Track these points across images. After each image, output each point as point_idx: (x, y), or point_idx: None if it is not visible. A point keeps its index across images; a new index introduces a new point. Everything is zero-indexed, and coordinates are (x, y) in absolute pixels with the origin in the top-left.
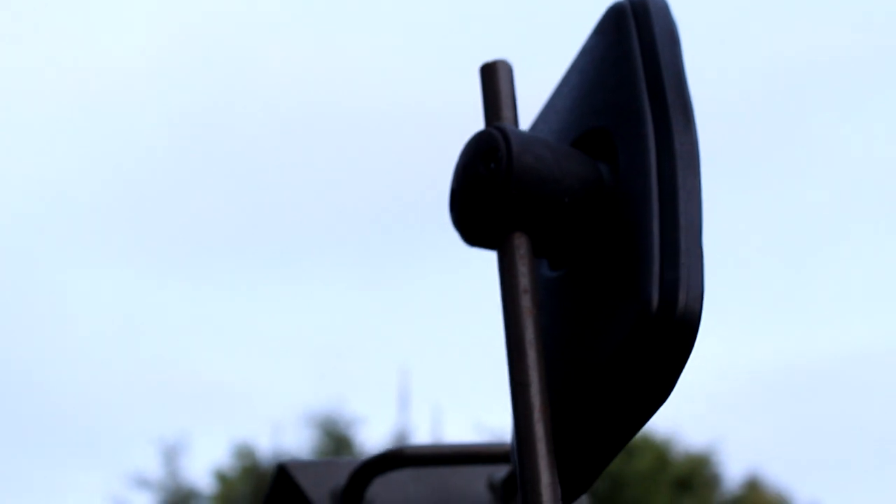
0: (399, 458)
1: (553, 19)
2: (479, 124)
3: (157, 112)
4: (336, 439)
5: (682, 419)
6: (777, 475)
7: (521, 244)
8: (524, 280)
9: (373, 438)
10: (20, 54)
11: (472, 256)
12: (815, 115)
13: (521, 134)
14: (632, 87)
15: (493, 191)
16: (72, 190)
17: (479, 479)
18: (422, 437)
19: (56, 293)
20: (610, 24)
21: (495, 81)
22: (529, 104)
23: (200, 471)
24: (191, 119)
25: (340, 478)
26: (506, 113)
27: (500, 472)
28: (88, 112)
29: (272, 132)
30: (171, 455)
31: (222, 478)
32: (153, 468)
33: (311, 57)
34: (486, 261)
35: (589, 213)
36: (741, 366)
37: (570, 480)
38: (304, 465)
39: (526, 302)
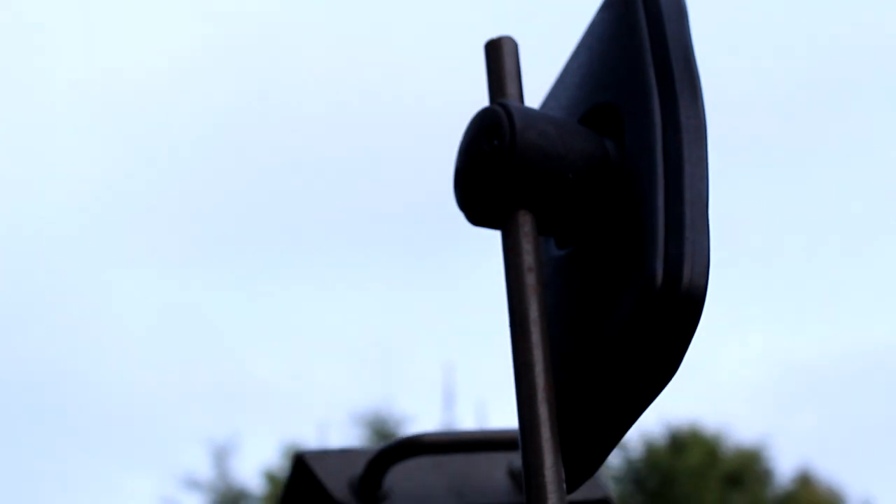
0: (415, 446)
1: None
2: None
3: (195, 111)
4: (384, 437)
5: (732, 413)
6: (829, 470)
7: (525, 222)
8: (528, 258)
9: None
10: (60, 56)
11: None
12: (867, 104)
13: (525, 110)
14: (638, 62)
15: (497, 168)
16: (119, 189)
17: (499, 466)
18: None
19: (103, 293)
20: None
21: (500, 58)
22: (545, 81)
23: (250, 471)
24: (229, 117)
25: (357, 467)
26: (510, 90)
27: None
28: (126, 112)
29: (311, 129)
30: (220, 456)
31: (272, 478)
32: (203, 469)
33: (348, 51)
34: None
35: (595, 189)
36: (792, 359)
37: (578, 462)
38: (321, 454)
39: (530, 280)
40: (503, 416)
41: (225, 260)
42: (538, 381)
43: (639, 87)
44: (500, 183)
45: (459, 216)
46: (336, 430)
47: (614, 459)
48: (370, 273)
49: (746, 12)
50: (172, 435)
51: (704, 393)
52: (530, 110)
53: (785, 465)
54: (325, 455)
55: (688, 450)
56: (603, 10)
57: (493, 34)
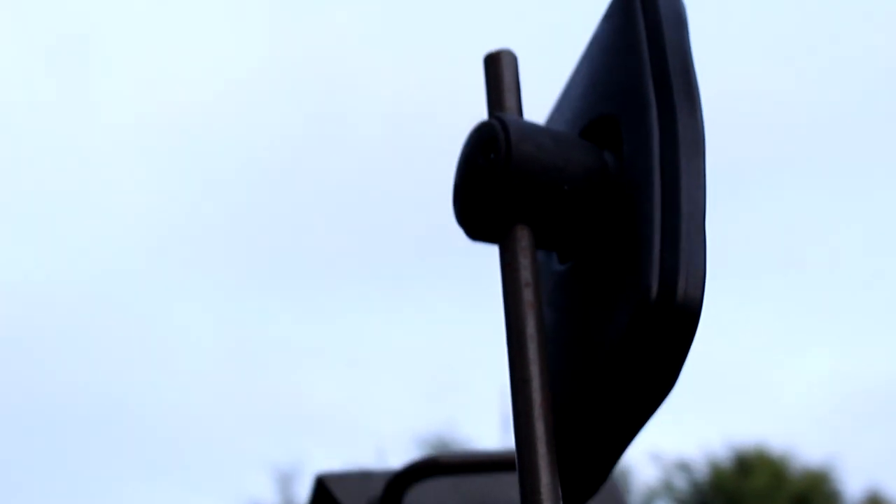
0: (432, 467)
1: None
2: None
3: (260, 141)
4: None
5: (798, 434)
6: None
7: (522, 236)
8: (525, 273)
9: None
10: (121, 88)
11: None
12: None
13: (522, 123)
14: (637, 73)
15: (493, 182)
16: (179, 220)
17: (517, 486)
18: None
19: (166, 323)
20: (618, 9)
21: (499, 71)
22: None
23: None
24: (287, 146)
25: (376, 489)
26: (509, 103)
27: None
28: (194, 144)
29: (373, 152)
30: (285, 480)
31: None
32: (267, 494)
33: (404, 74)
34: None
35: (593, 202)
36: (859, 379)
37: (581, 479)
38: (340, 477)
39: (527, 296)
40: None
41: (286, 286)
42: (535, 396)
43: (637, 98)
44: (497, 197)
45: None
46: (397, 453)
47: (679, 482)
48: (432, 298)
49: (808, 27)
50: (237, 460)
51: (770, 414)
52: (527, 123)
53: (853, 487)
54: (345, 477)
55: (754, 472)
56: (605, 20)
57: (563, 47)
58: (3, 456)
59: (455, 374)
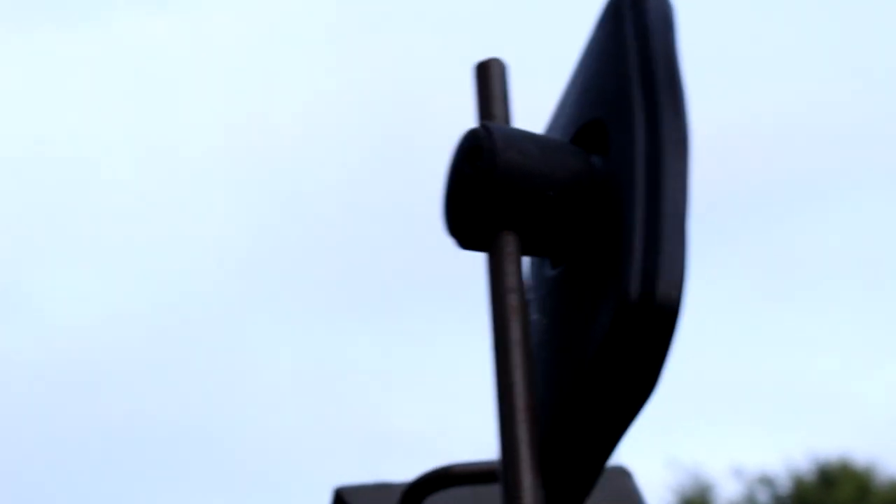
0: (447, 477)
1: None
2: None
3: (336, 165)
4: None
5: (884, 446)
6: None
7: (508, 242)
8: (511, 279)
9: None
10: (203, 114)
11: None
12: None
13: (507, 130)
14: (624, 77)
15: (479, 189)
16: (258, 247)
17: None
18: None
19: (248, 348)
20: (608, 15)
21: (488, 80)
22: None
23: None
24: (368, 170)
25: (393, 500)
26: (497, 111)
27: None
28: (271, 169)
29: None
30: None
31: None
32: None
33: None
34: None
35: (581, 207)
36: None
37: (570, 483)
38: (357, 489)
39: (512, 301)
40: (627, 456)
41: (363, 309)
42: (518, 401)
43: (624, 102)
44: (483, 204)
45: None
46: None
47: (762, 496)
48: None
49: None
50: (316, 482)
51: (853, 426)
52: (513, 130)
53: None
54: (362, 490)
55: (838, 484)
56: (596, 27)
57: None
58: (89, 484)
59: None
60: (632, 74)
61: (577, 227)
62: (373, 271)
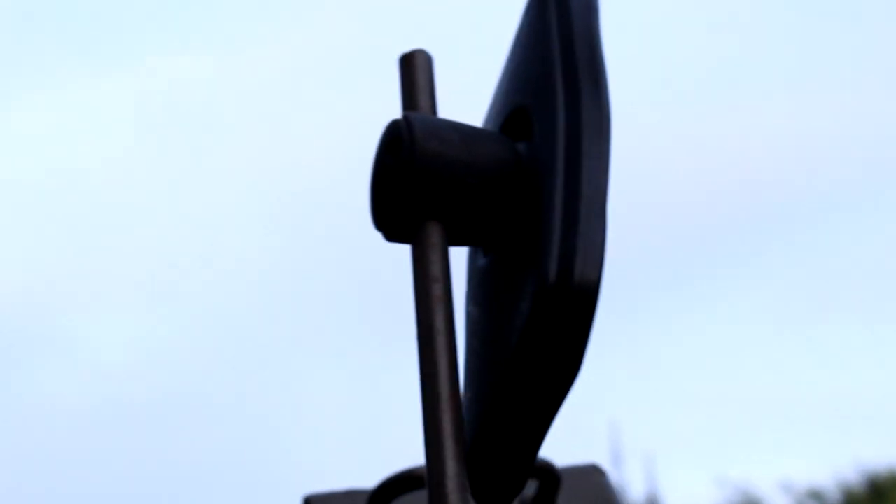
0: (409, 480)
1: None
2: None
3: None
4: None
5: None
6: None
7: (432, 232)
8: (435, 269)
9: None
10: (237, 155)
11: (683, 302)
12: None
13: (427, 120)
14: (546, 61)
15: (400, 180)
16: (303, 284)
17: None
18: (638, 491)
19: (301, 382)
20: (534, 2)
21: (412, 71)
22: None
23: None
24: None
25: None
26: (422, 102)
27: (530, 488)
28: (308, 207)
29: None
30: None
31: None
32: None
33: None
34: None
35: (506, 194)
36: None
37: (503, 474)
38: (326, 496)
39: (436, 290)
40: (674, 473)
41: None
42: (442, 391)
43: (546, 86)
44: (405, 195)
45: (631, 269)
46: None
47: None
48: None
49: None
50: None
51: None
52: (434, 120)
53: None
54: (331, 497)
55: (889, 496)
56: (523, 15)
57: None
58: None
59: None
60: (554, 59)
61: (503, 214)
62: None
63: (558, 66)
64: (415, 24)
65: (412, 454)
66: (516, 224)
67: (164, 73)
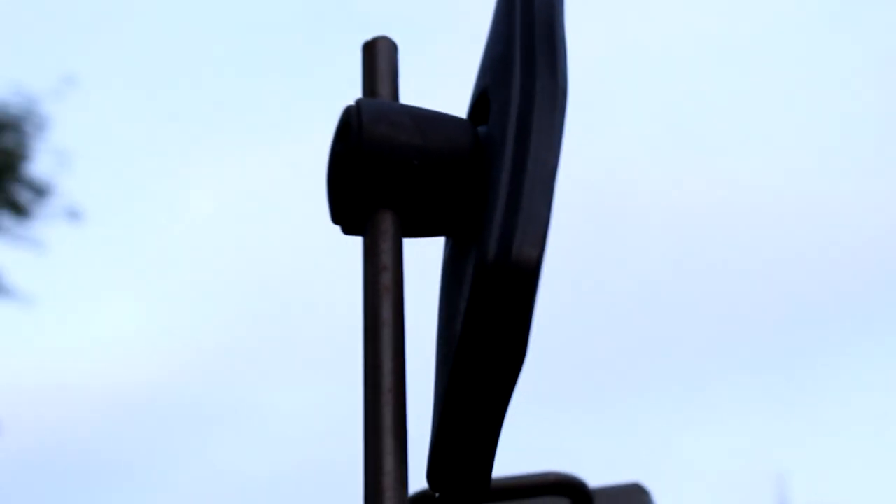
0: (423, 501)
1: None
2: None
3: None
4: None
5: None
6: None
7: (383, 220)
8: (384, 257)
9: None
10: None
11: (863, 358)
12: None
13: (378, 104)
14: (507, 44)
15: (350, 167)
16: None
17: None
18: None
19: None
20: None
21: (374, 58)
22: None
23: None
24: (566, 255)
25: None
26: (382, 89)
27: None
28: None
29: (653, 266)
30: None
31: None
32: None
33: (694, 181)
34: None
35: (463, 178)
36: None
37: (462, 465)
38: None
39: (385, 280)
40: None
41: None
42: (384, 383)
43: (505, 67)
44: (355, 182)
45: (803, 324)
46: None
47: None
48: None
49: None
50: None
51: None
52: (385, 104)
53: None
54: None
55: None
56: (496, 4)
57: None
58: None
59: (724, 461)
60: (514, 41)
61: (462, 200)
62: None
63: (517, 47)
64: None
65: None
66: (468, 206)
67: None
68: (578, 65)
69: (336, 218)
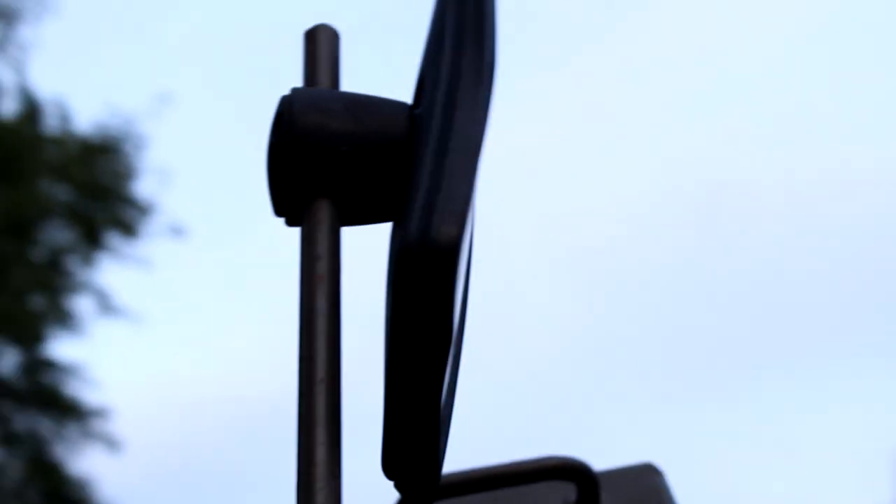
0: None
1: None
2: None
3: (658, 252)
4: None
5: None
6: None
7: (318, 209)
8: (319, 247)
9: None
10: (528, 219)
11: None
12: None
13: (310, 92)
14: (440, 23)
15: (282, 157)
16: (596, 331)
17: (549, 500)
18: None
19: (601, 432)
20: None
21: (314, 47)
22: None
23: None
24: (684, 257)
25: None
26: (321, 78)
27: (570, 491)
28: (596, 261)
29: (768, 258)
30: None
31: None
32: None
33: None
34: None
35: (398, 162)
36: None
37: (414, 460)
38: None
39: (320, 269)
40: None
41: (704, 381)
42: (317, 374)
43: (438, 47)
44: (288, 172)
45: None
46: None
47: None
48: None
49: None
50: None
51: None
52: (318, 92)
53: None
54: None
55: None
56: None
57: None
58: None
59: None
60: (447, 19)
61: (399, 183)
62: (701, 346)
63: (449, 25)
64: None
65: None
66: (401, 190)
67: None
68: (689, 56)
69: (277, 210)
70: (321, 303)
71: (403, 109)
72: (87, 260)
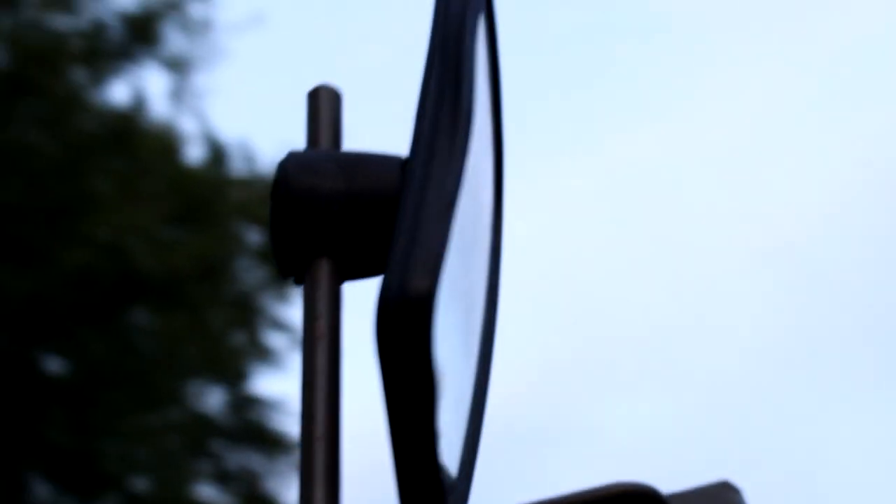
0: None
1: None
2: None
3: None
4: None
5: None
6: None
7: (317, 268)
8: (319, 305)
9: None
10: (726, 221)
11: None
12: None
13: (305, 154)
14: (427, 76)
15: (282, 220)
16: (798, 325)
17: None
18: None
19: (825, 432)
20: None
21: (316, 108)
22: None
23: None
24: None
25: None
26: (323, 140)
27: None
28: (796, 262)
29: None
30: None
31: None
32: None
33: None
34: None
35: (392, 214)
36: None
37: None
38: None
39: (319, 329)
40: None
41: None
42: (316, 430)
43: (423, 101)
44: (288, 234)
45: None
46: None
47: None
48: None
49: None
50: None
51: None
52: (312, 153)
53: None
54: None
55: None
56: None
57: None
58: None
59: None
60: (433, 73)
61: (391, 236)
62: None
63: (434, 78)
64: None
65: None
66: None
67: (625, 153)
68: (850, 40)
69: (282, 271)
70: (321, 360)
71: (397, 163)
72: (280, 296)
